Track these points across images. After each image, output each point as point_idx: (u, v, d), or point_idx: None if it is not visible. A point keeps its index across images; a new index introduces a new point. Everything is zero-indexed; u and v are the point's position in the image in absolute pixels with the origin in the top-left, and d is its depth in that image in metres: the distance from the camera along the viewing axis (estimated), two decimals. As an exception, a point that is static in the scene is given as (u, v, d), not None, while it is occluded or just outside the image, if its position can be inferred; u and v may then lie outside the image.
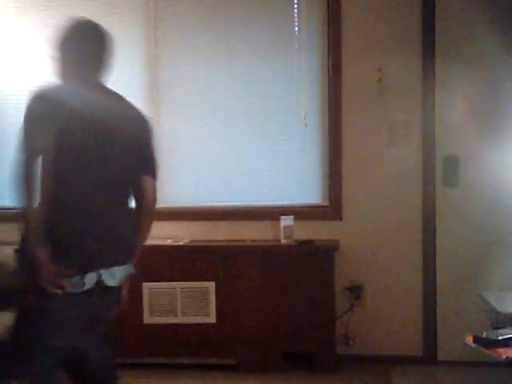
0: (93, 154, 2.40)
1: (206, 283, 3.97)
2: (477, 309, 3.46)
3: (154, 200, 2.59)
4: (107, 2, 4.35)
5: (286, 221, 4.04)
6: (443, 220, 4.05)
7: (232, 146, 4.27)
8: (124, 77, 4.30)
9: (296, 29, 4.18)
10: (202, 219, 4.25)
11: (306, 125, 4.16)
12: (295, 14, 4.19)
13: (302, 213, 4.14)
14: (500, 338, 2.72)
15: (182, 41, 4.29)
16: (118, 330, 3.99)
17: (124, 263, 2.52)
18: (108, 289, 2.45)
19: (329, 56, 4.12)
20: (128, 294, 2.66)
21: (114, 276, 2.46)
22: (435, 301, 4.06)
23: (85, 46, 2.55)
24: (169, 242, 4.13)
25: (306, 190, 4.21)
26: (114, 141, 2.45)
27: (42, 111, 2.39)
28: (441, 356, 4.06)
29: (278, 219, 4.06)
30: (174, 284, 3.99)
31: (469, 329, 3.12)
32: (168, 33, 4.29)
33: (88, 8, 4.32)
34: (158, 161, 2.64)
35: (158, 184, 2.61)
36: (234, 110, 4.25)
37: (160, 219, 4.24)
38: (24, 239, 2.48)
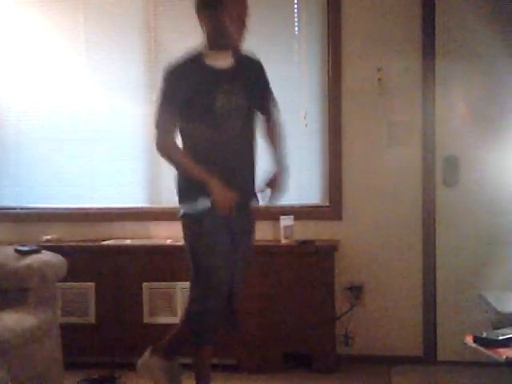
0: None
1: (206, 283, 3.97)
2: (477, 309, 3.46)
3: None
4: (107, 2, 4.35)
5: (286, 221, 4.04)
6: (443, 220, 4.05)
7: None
8: (124, 76, 4.32)
9: (296, 29, 4.18)
10: (202, 219, 4.25)
11: (306, 125, 4.16)
12: (295, 14, 4.19)
13: (301, 213, 4.13)
14: (500, 337, 2.72)
15: (182, 41, 4.28)
16: (118, 329, 4.00)
17: None
18: None
19: (329, 56, 4.12)
20: None
21: None
22: (435, 301, 4.06)
23: None
24: (169, 241, 4.12)
25: (306, 189, 4.21)
26: None
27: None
28: (441, 356, 4.06)
29: (277, 219, 4.05)
30: (173, 284, 3.99)
31: (469, 329, 3.12)
32: (168, 33, 4.29)
33: (88, 9, 4.33)
34: None
35: None
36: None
37: (160, 219, 4.30)
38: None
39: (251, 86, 3.01)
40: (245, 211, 3.00)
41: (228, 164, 2.95)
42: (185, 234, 3.02)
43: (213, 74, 2.95)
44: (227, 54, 3.00)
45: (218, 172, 2.89)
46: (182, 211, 3.01)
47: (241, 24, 2.96)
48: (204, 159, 2.91)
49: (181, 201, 3.02)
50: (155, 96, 4.25)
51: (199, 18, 2.99)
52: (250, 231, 3.13)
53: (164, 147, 2.98)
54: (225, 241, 2.94)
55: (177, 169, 3.01)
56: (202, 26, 2.99)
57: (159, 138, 2.97)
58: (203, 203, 2.90)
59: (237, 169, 2.99)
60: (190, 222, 2.98)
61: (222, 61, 2.98)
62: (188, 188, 2.98)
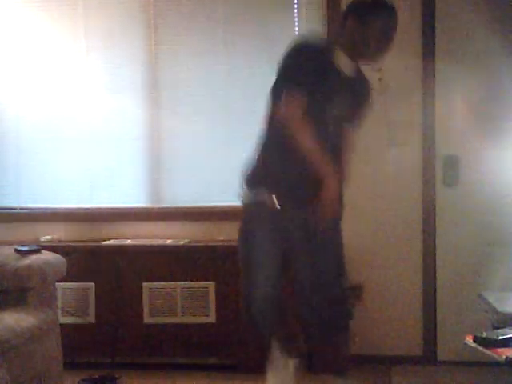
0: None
1: (205, 283, 3.97)
2: (477, 309, 3.46)
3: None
4: (107, 1, 4.35)
5: (286, 221, 4.03)
6: (443, 220, 4.05)
7: (232, 145, 4.26)
8: (124, 76, 4.33)
9: (296, 29, 4.18)
10: (201, 219, 4.25)
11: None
12: (295, 14, 4.19)
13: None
14: (500, 337, 2.72)
15: (182, 41, 4.29)
16: (118, 330, 4.00)
17: None
18: None
19: (329, 56, 4.12)
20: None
21: None
22: (435, 301, 4.06)
23: None
24: (169, 242, 4.13)
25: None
26: None
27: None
28: (441, 356, 4.06)
29: (278, 219, 4.05)
30: (173, 284, 3.99)
31: (469, 329, 3.12)
32: (168, 33, 4.29)
33: (88, 8, 4.33)
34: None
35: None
36: (233, 110, 4.25)
37: (160, 219, 4.30)
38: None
39: (352, 104, 2.98)
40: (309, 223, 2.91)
41: (300, 171, 2.88)
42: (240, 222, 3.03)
43: (336, 76, 2.87)
44: (354, 63, 2.93)
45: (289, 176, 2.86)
46: (240, 199, 3.01)
47: (382, 45, 2.85)
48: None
49: (244, 186, 2.99)
50: (155, 96, 4.31)
51: (345, 18, 2.88)
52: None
53: (297, 121, 2.76)
54: (267, 238, 2.90)
55: (299, 147, 2.78)
56: (341, 26, 2.89)
57: (294, 110, 2.75)
58: (259, 195, 2.88)
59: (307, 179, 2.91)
60: (242, 210, 2.99)
61: (347, 68, 2.90)
62: (255, 175, 2.95)
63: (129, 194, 4.37)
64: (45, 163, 4.45)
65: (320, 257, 2.96)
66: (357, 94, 3.00)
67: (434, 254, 4.06)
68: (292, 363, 3.04)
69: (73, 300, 4.04)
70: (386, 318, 4.09)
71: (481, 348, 2.72)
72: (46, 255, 3.37)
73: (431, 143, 4.05)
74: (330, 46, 2.93)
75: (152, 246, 4.08)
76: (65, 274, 3.42)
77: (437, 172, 4.05)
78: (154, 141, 4.33)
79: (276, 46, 4.17)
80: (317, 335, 3.02)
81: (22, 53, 4.41)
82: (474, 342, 2.76)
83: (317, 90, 2.78)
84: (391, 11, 2.86)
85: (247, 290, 2.97)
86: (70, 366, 3.57)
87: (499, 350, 2.65)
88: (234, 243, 4.05)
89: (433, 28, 4.01)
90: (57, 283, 3.41)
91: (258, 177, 2.94)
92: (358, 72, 3.00)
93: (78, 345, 3.90)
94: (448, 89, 4.01)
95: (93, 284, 4.04)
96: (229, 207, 4.25)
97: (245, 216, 2.99)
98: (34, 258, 3.29)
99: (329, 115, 2.88)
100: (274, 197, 2.85)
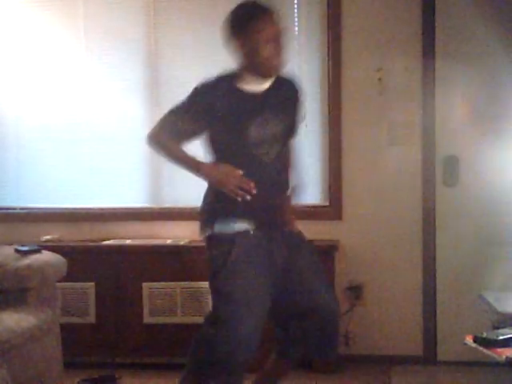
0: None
1: (206, 283, 3.96)
2: (477, 309, 3.46)
3: None
4: (107, 1, 4.35)
5: (286, 221, 4.02)
6: (443, 220, 4.05)
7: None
8: (124, 76, 4.33)
9: (296, 29, 4.18)
10: (202, 219, 4.25)
11: (306, 125, 4.15)
12: (295, 14, 4.19)
13: (301, 213, 4.12)
14: (500, 337, 2.71)
15: (182, 41, 4.29)
16: (118, 329, 4.01)
17: None
18: None
19: (329, 56, 4.12)
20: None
21: None
22: (435, 301, 4.06)
23: None
24: (169, 241, 4.13)
25: (306, 190, 4.20)
26: None
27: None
28: (441, 356, 4.06)
29: (278, 219, 4.05)
30: (173, 284, 3.99)
31: (469, 329, 3.12)
32: (168, 32, 4.29)
33: (89, 7, 4.33)
34: None
35: None
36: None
37: (160, 219, 4.30)
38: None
39: (286, 111, 2.84)
40: (283, 235, 2.82)
41: (262, 190, 2.72)
42: (211, 255, 2.82)
43: (242, 99, 2.76)
44: (263, 78, 2.79)
45: (252, 199, 2.69)
46: (209, 231, 2.84)
47: (276, 46, 2.72)
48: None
49: (210, 220, 2.86)
50: (155, 95, 4.31)
51: (231, 45, 2.79)
52: (299, 248, 2.90)
53: (156, 139, 2.86)
54: (259, 265, 2.72)
55: (167, 158, 2.97)
56: (235, 53, 2.78)
57: (155, 131, 2.84)
58: (238, 225, 2.74)
59: (271, 195, 2.80)
60: (219, 243, 2.78)
61: (256, 85, 2.76)
62: (221, 208, 2.83)
63: (129, 194, 4.37)
64: (45, 163, 4.45)
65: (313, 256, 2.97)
66: (286, 98, 2.85)
67: (434, 254, 4.06)
68: None
69: (73, 300, 4.05)
70: (386, 318, 4.10)
71: (481, 348, 2.72)
72: (46, 255, 3.37)
73: (431, 143, 4.05)
74: (229, 73, 2.80)
75: (152, 246, 4.08)
76: (65, 274, 3.42)
77: (437, 172, 4.05)
78: (154, 141, 4.32)
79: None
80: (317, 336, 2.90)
81: (22, 53, 4.40)
82: (474, 342, 2.76)
83: (231, 121, 2.72)
84: (265, 10, 2.73)
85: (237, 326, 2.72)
86: (70, 365, 3.58)
87: (499, 350, 2.65)
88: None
89: (433, 28, 4.01)
90: (57, 283, 3.41)
91: (226, 205, 2.80)
92: (276, 80, 2.82)
93: (78, 345, 3.90)
94: (448, 89, 4.01)
95: (93, 284, 4.04)
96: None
97: (228, 247, 2.74)
98: (33, 258, 3.29)
99: (259, 138, 2.75)
100: (248, 223, 2.74)
